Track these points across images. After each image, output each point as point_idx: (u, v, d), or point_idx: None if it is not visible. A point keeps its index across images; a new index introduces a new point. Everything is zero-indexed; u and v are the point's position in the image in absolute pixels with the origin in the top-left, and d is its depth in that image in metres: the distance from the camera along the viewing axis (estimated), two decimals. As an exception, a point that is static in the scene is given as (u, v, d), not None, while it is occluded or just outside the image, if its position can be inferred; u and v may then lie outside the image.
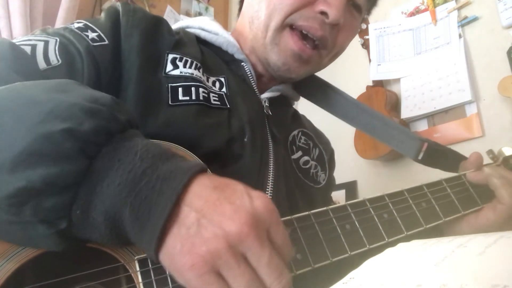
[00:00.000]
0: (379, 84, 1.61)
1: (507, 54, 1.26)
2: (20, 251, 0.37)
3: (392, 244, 0.47)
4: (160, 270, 0.38)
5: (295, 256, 0.42)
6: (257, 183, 0.59)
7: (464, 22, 1.41)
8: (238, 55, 0.68)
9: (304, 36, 0.63)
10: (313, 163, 0.72)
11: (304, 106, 0.86)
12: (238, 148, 0.59)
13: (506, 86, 1.21)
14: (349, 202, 0.50)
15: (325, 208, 0.48)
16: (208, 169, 0.39)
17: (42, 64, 0.49)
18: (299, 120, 0.79)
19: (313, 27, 0.62)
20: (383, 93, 1.55)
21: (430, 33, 1.50)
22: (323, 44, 0.64)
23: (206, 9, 2.15)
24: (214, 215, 0.34)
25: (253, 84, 0.67)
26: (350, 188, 1.58)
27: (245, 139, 0.60)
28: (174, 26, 0.72)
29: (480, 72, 1.35)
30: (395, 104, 1.57)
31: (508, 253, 0.31)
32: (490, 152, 0.69)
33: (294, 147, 0.71)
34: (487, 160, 0.68)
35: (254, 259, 0.34)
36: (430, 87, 1.45)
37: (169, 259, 0.34)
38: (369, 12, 0.74)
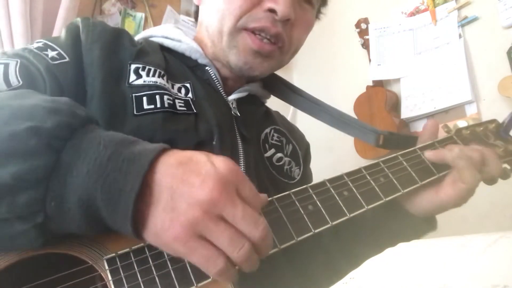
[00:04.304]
0: (379, 84, 1.62)
1: (507, 54, 1.26)
2: None
3: (354, 219, 0.51)
4: (128, 266, 0.40)
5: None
6: None
7: (464, 22, 1.41)
8: (202, 60, 0.69)
9: (259, 35, 0.64)
10: (286, 159, 0.73)
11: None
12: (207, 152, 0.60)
13: (506, 86, 1.22)
14: (310, 184, 0.52)
15: (287, 192, 0.50)
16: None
17: (2, 87, 0.50)
18: (271, 117, 0.79)
19: (266, 26, 0.63)
20: (383, 93, 1.55)
21: (430, 33, 1.50)
22: (281, 41, 0.65)
23: (206, 9, 2.16)
24: (184, 188, 0.37)
25: (219, 87, 0.68)
26: (350, 188, 1.58)
27: (214, 142, 0.60)
28: (137, 37, 0.73)
29: (480, 72, 1.35)
30: (395, 104, 1.57)
31: (508, 253, 0.31)
32: (445, 126, 0.72)
33: (267, 145, 0.72)
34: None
35: (230, 217, 0.37)
36: (430, 87, 1.45)
37: (155, 237, 0.37)
38: (324, 2, 0.75)
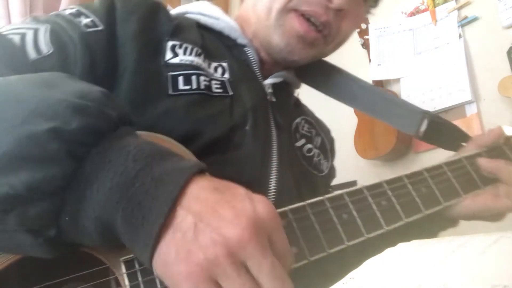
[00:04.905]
0: (379, 84, 1.61)
1: (507, 54, 1.26)
2: (1, 254, 0.36)
3: (391, 232, 0.47)
4: (147, 271, 0.36)
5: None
6: (260, 171, 0.58)
7: (464, 22, 1.41)
8: (241, 40, 0.66)
9: (307, 20, 0.62)
10: (316, 151, 0.71)
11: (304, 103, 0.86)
12: (239, 137, 0.57)
13: (506, 86, 1.21)
14: (346, 190, 0.48)
15: (321, 197, 0.45)
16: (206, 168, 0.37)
17: (32, 54, 0.47)
18: (301, 108, 0.78)
19: (317, 11, 0.61)
20: (383, 93, 1.55)
21: (430, 33, 1.50)
22: (327, 30, 0.63)
23: (206, 9, 2.16)
24: (212, 219, 0.31)
25: (256, 69, 0.65)
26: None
27: (247, 127, 0.58)
28: (172, 12, 0.70)
29: (480, 72, 1.35)
30: (395, 104, 1.57)
31: (508, 253, 0.31)
32: None
33: (297, 135, 0.69)
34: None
35: (255, 268, 0.31)
36: (430, 87, 1.45)
37: (163, 266, 0.32)
38: (375, 2, 0.73)
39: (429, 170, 0.55)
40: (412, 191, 0.52)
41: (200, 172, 0.35)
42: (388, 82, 1.62)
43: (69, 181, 0.32)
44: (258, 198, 0.34)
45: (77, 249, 0.37)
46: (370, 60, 1.64)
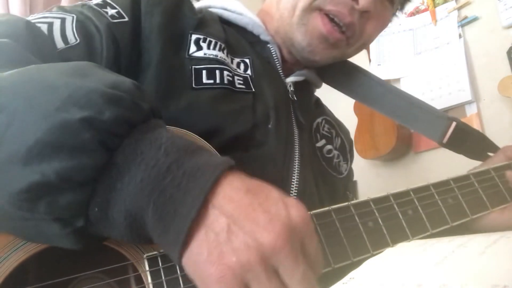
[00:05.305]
0: (379, 84, 1.61)
1: (507, 54, 1.26)
2: (27, 243, 0.35)
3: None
4: (171, 269, 0.36)
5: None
6: (282, 171, 0.57)
7: (464, 22, 1.41)
8: (264, 37, 0.66)
9: (331, 20, 0.61)
10: (336, 152, 0.71)
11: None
12: (261, 135, 0.57)
13: (506, 86, 1.21)
14: (372, 197, 0.47)
15: (346, 203, 0.45)
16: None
17: (60, 44, 0.47)
18: (322, 107, 0.77)
19: (342, 12, 0.60)
20: (383, 93, 1.55)
21: (430, 33, 1.50)
22: (351, 31, 0.62)
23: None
24: (246, 222, 0.31)
25: (278, 66, 0.65)
26: (350, 188, 1.58)
27: (269, 126, 0.58)
28: (196, 5, 0.69)
29: (480, 72, 1.35)
30: (395, 104, 1.56)
31: (508, 253, 0.31)
32: None
33: (318, 135, 0.69)
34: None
35: (286, 275, 0.31)
36: (430, 87, 1.45)
37: (193, 266, 0.32)
38: (402, 6, 0.71)
39: (456, 180, 0.54)
40: (439, 202, 0.51)
41: (230, 168, 0.34)
42: (388, 82, 1.62)
43: (100, 172, 0.32)
44: (291, 202, 0.34)
45: (101, 243, 0.36)
46: (370, 60, 1.64)
